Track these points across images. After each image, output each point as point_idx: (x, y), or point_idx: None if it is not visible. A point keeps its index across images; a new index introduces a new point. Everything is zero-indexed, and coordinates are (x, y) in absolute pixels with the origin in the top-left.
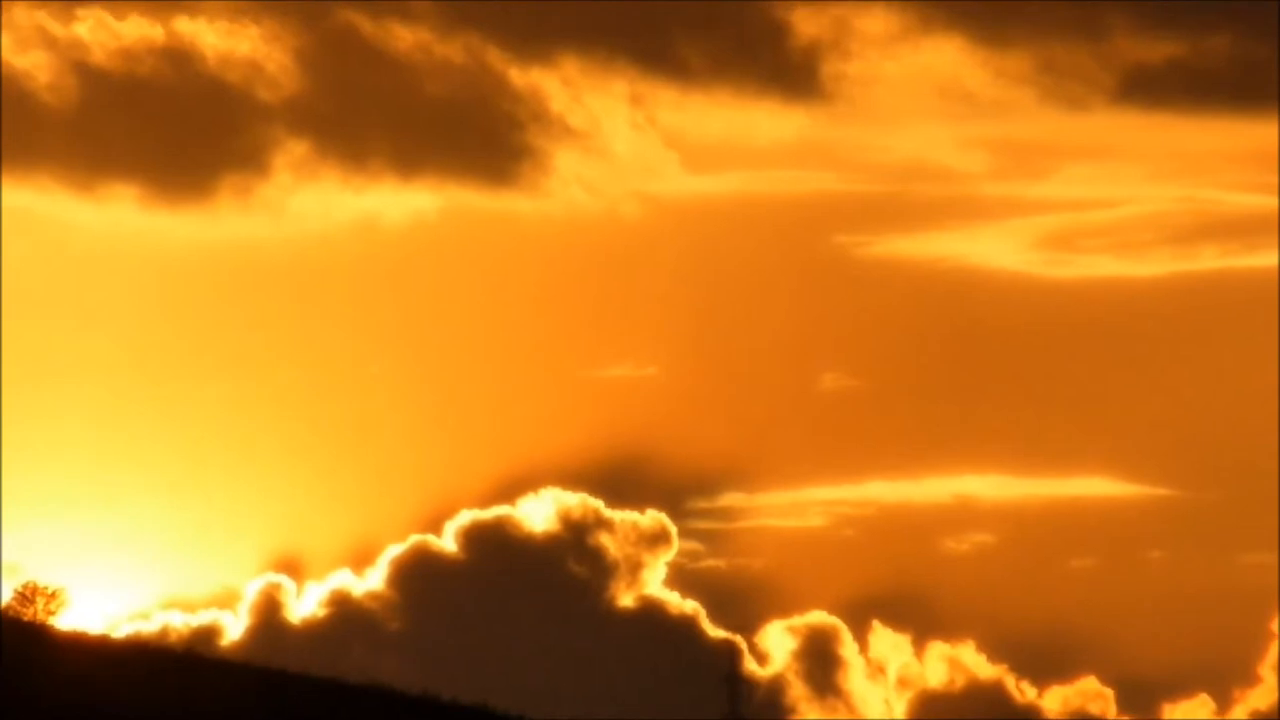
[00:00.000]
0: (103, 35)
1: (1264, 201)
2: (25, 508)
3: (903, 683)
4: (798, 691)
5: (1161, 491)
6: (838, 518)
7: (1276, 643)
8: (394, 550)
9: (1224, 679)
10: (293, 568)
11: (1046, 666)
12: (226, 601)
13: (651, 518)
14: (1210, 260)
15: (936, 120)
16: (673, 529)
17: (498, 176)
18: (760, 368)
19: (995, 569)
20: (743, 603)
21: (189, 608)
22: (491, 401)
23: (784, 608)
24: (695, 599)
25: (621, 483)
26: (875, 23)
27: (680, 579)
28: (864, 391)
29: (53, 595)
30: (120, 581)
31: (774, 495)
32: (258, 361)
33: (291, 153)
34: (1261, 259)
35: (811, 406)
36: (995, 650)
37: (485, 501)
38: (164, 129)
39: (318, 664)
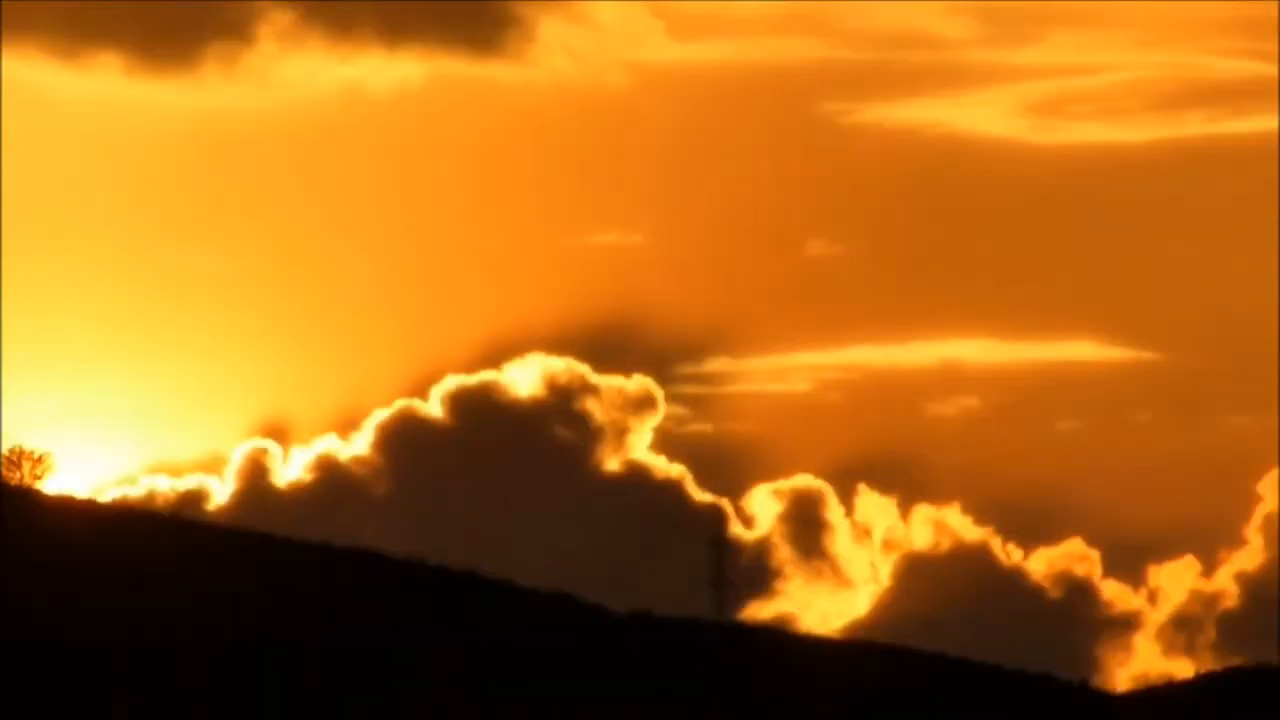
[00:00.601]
0: None
1: (1251, 67)
2: (12, 373)
3: (888, 545)
4: (783, 554)
5: (1148, 355)
6: (823, 382)
7: (1262, 505)
8: (380, 415)
9: (1210, 541)
10: (279, 432)
11: (1032, 529)
12: (213, 466)
13: (637, 383)
14: (1197, 126)
15: None
16: (659, 394)
17: (483, 45)
18: (746, 234)
19: (981, 432)
20: (729, 467)
21: (175, 472)
22: (478, 267)
23: (770, 472)
24: (681, 463)
25: (607, 348)
26: None
27: (666, 444)
28: (850, 257)
29: (39, 460)
30: (107, 446)
31: (760, 360)
32: (244, 228)
33: (277, 21)
34: (1248, 124)
35: (797, 272)
36: (981, 513)
37: (471, 367)
38: None
39: (304, 528)
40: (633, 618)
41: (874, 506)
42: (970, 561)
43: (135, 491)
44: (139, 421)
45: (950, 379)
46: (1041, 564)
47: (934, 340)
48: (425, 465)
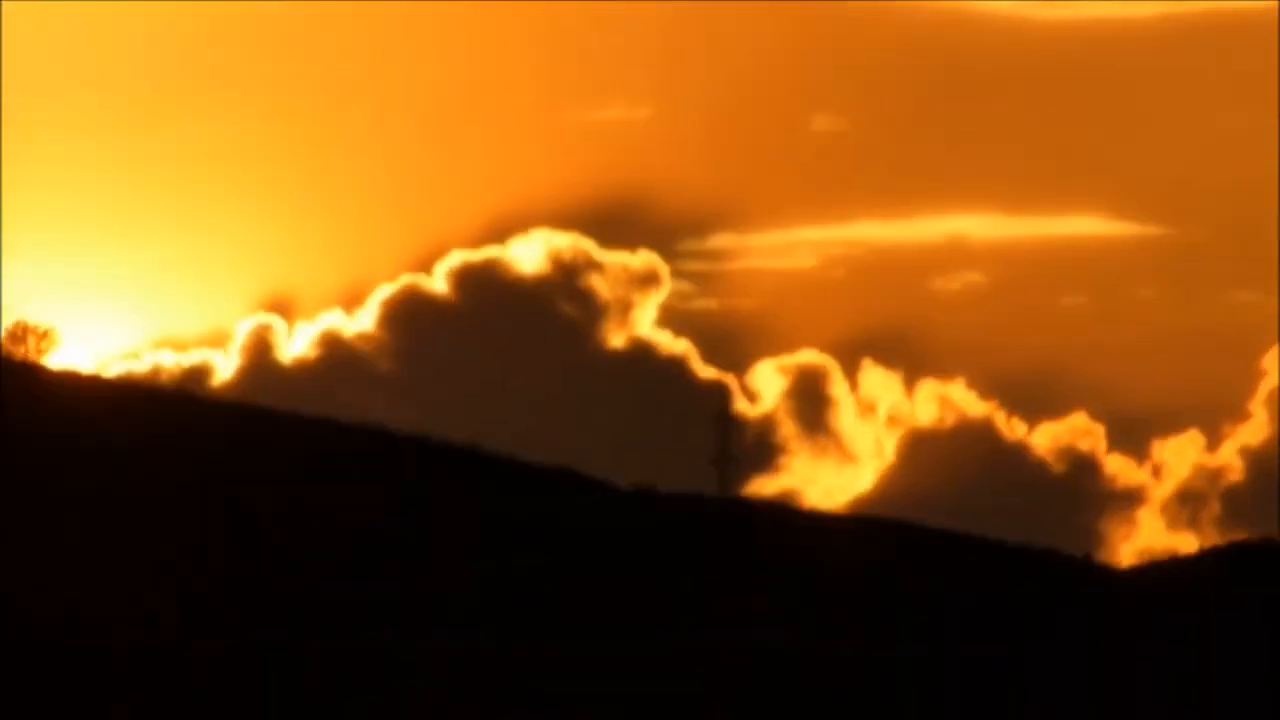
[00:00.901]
0: None
1: None
2: (16, 247)
3: (893, 421)
4: (788, 430)
5: (1153, 229)
6: (828, 258)
7: (1266, 379)
8: (384, 291)
9: (1214, 415)
10: (284, 307)
11: (1037, 403)
12: (218, 341)
13: (642, 258)
14: None
15: None
16: (664, 270)
17: None
18: (752, 108)
19: (986, 308)
20: (733, 343)
21: (180, 347)
22: (484, 142)
23: (774, 347)
24: (686, 339)
25: (612, 224)
26: None
27: (671, 320)
28: (855, 131)
29: (44, 335)
30: (112, 321)
31: (765, 236)
32: (249, 103)
33: None
34: None
35: (803, 147)
36: (985, 388)
37: (476, 242)
38: None
39: (308, 403)
40: (637, 493)
41: (879, 382)
42: (974, 436)
43: (140, 366)
44: (144, 296)
45: (955, 254)
46: (1045, 438)
47: (938, 215)
48: (429, 341)
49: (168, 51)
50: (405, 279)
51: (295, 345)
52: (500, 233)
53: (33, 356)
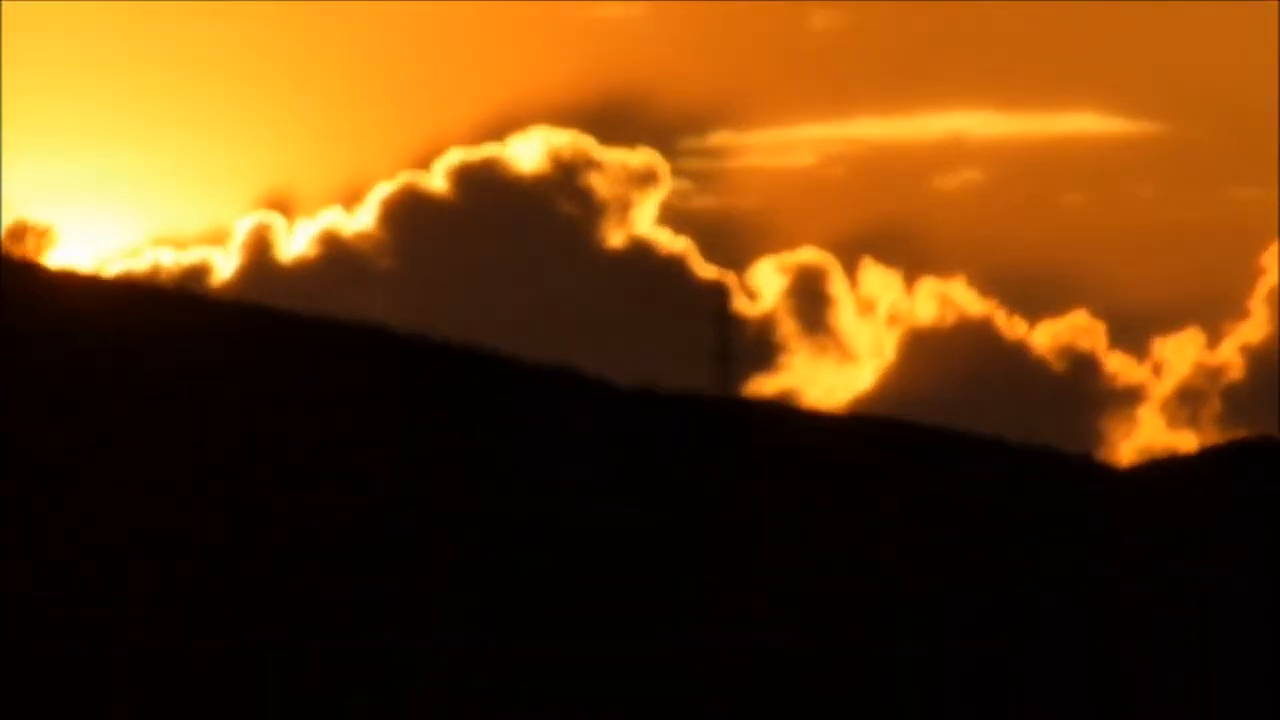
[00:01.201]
0: None
1: None
2: (14, 145)
3: (893, 319)
4: (788, 329)
5: (1153, 126)
6: (828, 156)
7: (1266, 277)
8: (383, 189)
9: (1214, 313)
10: (283, 205)
11: (1037, 301)
12: (217, 239)
13: (642, 156)
14: None
15: None
16: (664, 167)
17: None
18: (751, 4)
19: (986, 205)
20: (733, 241)
21: (180, 245)
22: (483, 39)
23: (774, 245)
24: (686, 237)
25: (612, 121)
26: None
27: (671, 218)
28: (854, 28)
29: (43, 233)
30: (111, 218)
31: (764, 133)
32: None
33: None
34: None
35: (802, 44)
36: (985, 286)
37: (475, 140)
38: None
39: (307, 302)
40: (636, 392)
41: (879, 280)
42: (974, 335)
43: (139, 265)
44: (144, 194)
45: (955, 151)
46: (1046, 336)
47: (938, 112)
48: (428, 239)
49: None
50: (404, 177)
51: (295, 243)
52: (499, 130)
53: (32, 255)
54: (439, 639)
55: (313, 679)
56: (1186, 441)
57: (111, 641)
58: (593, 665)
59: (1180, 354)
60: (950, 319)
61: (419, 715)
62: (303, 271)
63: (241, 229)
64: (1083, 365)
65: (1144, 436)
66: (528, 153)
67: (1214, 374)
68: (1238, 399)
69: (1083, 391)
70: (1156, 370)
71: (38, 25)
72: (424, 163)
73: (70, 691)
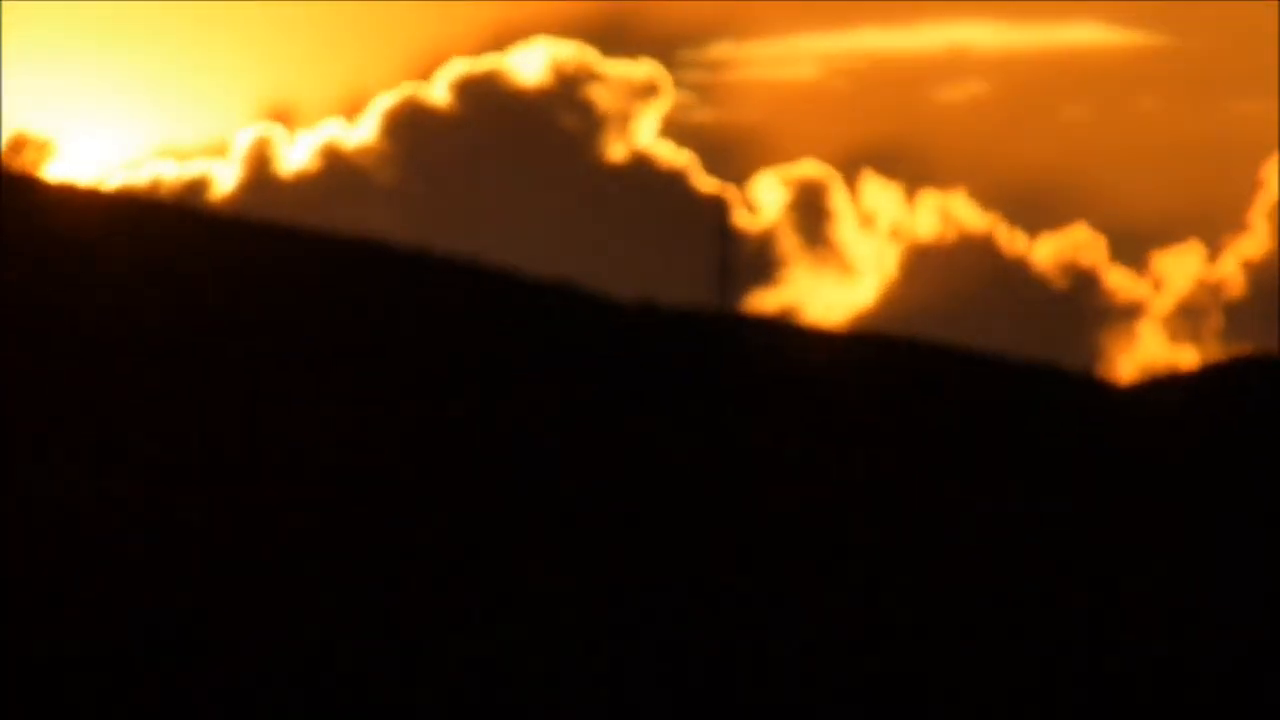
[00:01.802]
0: None
1: None
2: (11, 58)
3: (894, 234)
4: (789, 242)
5: (1155, 39)
6: (829, 68)
7: (1265, 190)
8: (384, 100)
9: (1214, 226)
10: (284, 116)
11: (1038, 215)
12: (218, 150)
13: (643, 68)
14: None
15: None
16: (666, 79)
17: None
18: None
19: (987, 118)
20: (734, 154)
21: (181, 157)
22: None
23: (775, 158)
24: (688, 149)
25: (613, 32)
26: None
27: (672, 131)
28: None
29: (42, 145)
30: (111, 130)
31: (764, 44)
32: None
33: None
34: None
35: None
36: (986, 199)
37: (476, 50)
38: None
39: (309, 214)
40: (637, 306)
41: (879, 193)
42: (975, 250)
43: (140, 177)
44: (144, 105)
45: (957, 63)
46: (1047, 250)
47: (941, 23)
48: (430, 153)
49: None
50: (405, 88)
51: (295, 155)
52: (500, 40)
53: (31, 168)
54: (437, 559)
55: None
56: (1188, 357)
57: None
58: (589, 593)
59: (1181, 269)
60: (951, 234)
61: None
62: (303, 183)
63: (242, 141)
64: (1083, 280)
65: (1145, 352)
66: (530, 64)
67: (1215, 289)
68: (1239, 314)
69: (1084, 307)
70: (1157, 285)
71: None
72: (425, 73)
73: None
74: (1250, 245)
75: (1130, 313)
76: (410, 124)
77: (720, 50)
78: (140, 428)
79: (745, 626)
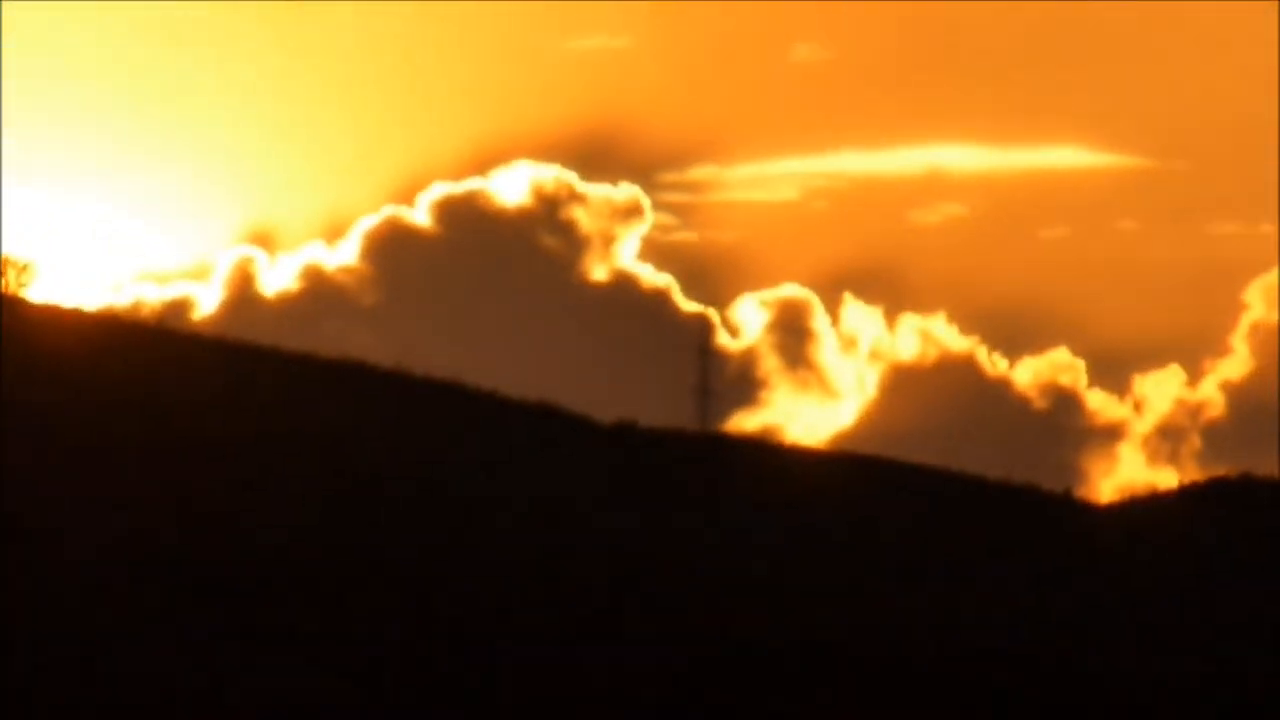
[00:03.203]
0: None
1: None
2: None
3: (874, 355)
4: (770, 364)
5: (1133, 161)
6: (809, 190)
7: (1248, 313)
8: (367, 222)
9: (1195, 350)
10: (265, 239)
11: (1018, 338)
12: (200, 274)
13: (624, 191)
14: None
15: None
16: (646, 202)
17: None
18: (733, 39)
19: (966, 240)
20: (715, 276)
21: (162, 280)
22: (465, 72)
23: (756, 280)
24: (668, 272)
25: (594, 155)
26: None
27: (653, 252)
28: (835, 62)
29: (24, 268)
30: (93, 254)
31: (746, 168)
32: (231, 32)
33: None
34: None
35: (783, 77)
36: (966, 322)
37: (458, 173)
38: None
39: (290, 336)
40: (617, 428)
41: (860, 316)
42: (956, 371)
43: (121, 299)
44: (125, 229)
45: (935, 186)
46: (1027, 373)
47: (919, 146)
48: (412, 273)
49: None
50: (387, 210)
51: (277, 277)
52: (482, 164)
53: (12, 290)
54: (410, 663)
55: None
56: (1167, 479)
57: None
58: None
59: (1161, 391)
60: (932, 355)
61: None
62: (285, 305)
63: (224, 263)
64: (1064, 402)
65: (1125, 473)
66: (511, 186)
67: (1194, 411)
68: (1218, 436)
69: (1064, 428)
70: (1137, 407)
71: (20, 55)
72: (407, 196)
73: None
74: (1231, 368)
75: (1110, 434)
76: (392, 245)
77: (701, 173)
78: (129, 545)
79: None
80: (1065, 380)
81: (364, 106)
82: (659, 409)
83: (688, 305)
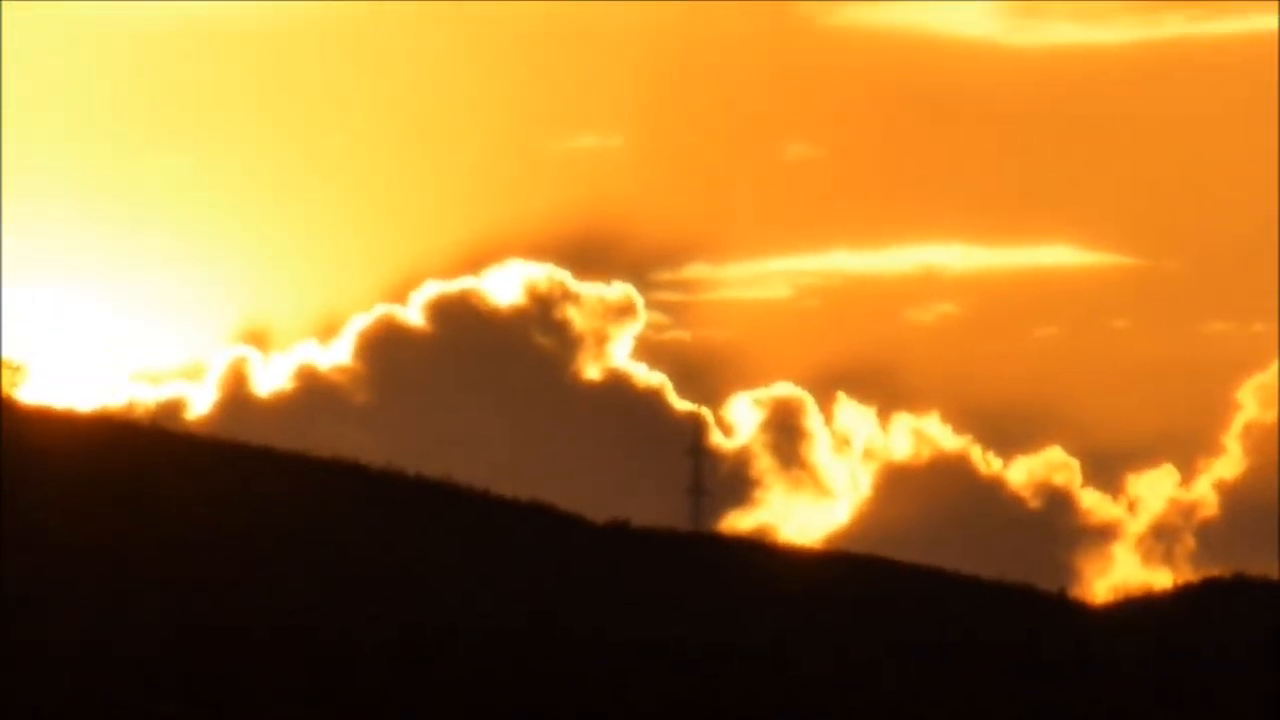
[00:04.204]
0: None
1: None
2: None
3: (868, 455)
4: (763, 463)
5: (1126, 260)
6: (802, 289)
7: (1241, 413)
8: (360, 322)
9: (1188, 449)
10: (259, 339)
11: (1011, 437)
12: (194, 373)
13: (617, 290)
14: (1176, 27)
15: None
16: (638, 300)
17: None
18: (725, 138)
19: (959, 339)
20: (708, 374)
21: (156, 380)
22: (457, 172)
23: (749, 379)
24: (661, 371)
25: (587, 255)
26: None
27: (646, 351)
28: (828, 161)
29: (17, 369)
30: (86, 354)
31: (738, 266)
32: (224, 133)
33: None
34: (1226, 25)
35: (776, 176)
36: (960, 421)
37: (451, 273)
38: None
39: (284, 436)
40: (610, 527)
41: (854, 415)
42: (950, 471)
43: (116, 400)
44: (119, 330)
45: (928, 285)
46: (1021, 472)
47: (912, 245)
48: (405, 373)
49: (142, 83)
50: (380, 310)
51: (271, 376)
52: (475, 263)
53: (7, 390)
54: None
55: None
56: (1161, 579)
57: None
58: None
59: (1154, 490)
60: (925, 455)
61: None
62: (279, 405)
63: (218, 363)
64: (1057, 501)
65: (1119, 573)
66: (504, 285)
67: (1188, 510)
68: (1212, 536)
69: (1058, 527)
70: (1131, 507)
71: (10, 155)
72: (400, 295)
73: None
74: (1224, 467)
75: (1104, 534)
76: (385, 345)
77: (694, 271)
78: (122, 644)
79: None
80: (1059, 479)
81: (357, 207)
82: (653, 508)
83: (681, 404)
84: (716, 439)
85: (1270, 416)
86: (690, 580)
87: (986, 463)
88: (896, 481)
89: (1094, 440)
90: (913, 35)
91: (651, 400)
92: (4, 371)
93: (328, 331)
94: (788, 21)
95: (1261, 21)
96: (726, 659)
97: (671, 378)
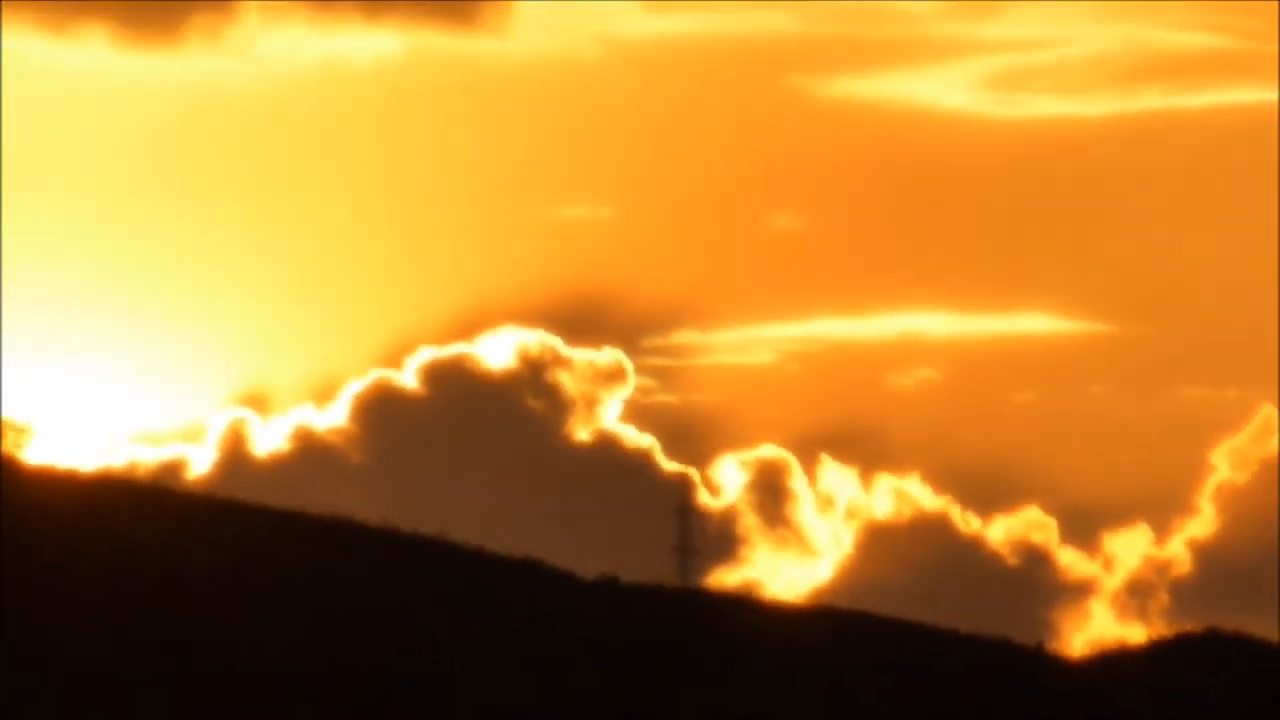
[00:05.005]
0: None
1: (1207, 40)
2: None
3: (851, 514)
4: (749, 523)
5: (1101, 327)
6: (787, 354)
7: (1214, 474)
8: (355, 385)
9: (1163, 509)
10: (258, 402)
11: (990, 497)
12: (193, 435)
13: (608, 355)
14: (1153, 100)
15: None
16: (628, 365)
17: (461, 18)
18: (714, 208)
19: (940, 403)
20: (695, 437)
21: (156, 442)
22: (452, 241)
23: (735, 441)
24: (650, 433)
25: (578, 321)
26: None
27: (635, 414)
28: (812, 231)
29: (20, 431)
30: (88, 417)
31: (725, 333)
32: (222, 199)
33: None
34: (1203, 98)
35: (763, 245)
36: (940, 482)
37: (444, 338)
38: None
39: (281, 495)
40: (599, 584)
41: (837, 476)
42: (930, 529)
43: (117, 461)
44: (120, 392)
45: (909, 351)
46: (999, 532)
47: (893, 313)
48: (399, 435)
49: (144, 149)
50: (375, 374)
51: (268, 438)
52: (468, 329)
53: (9, 452)
54: None
55: None
56: (1136, 634)
57: None
58: None
59: (1129, 548)
60: (906, 514)
61: None
62: (276, 465)
63: (216, 425)
64: (1035, 559)
65: (1095, 628)
66: (496, 351)
67: (1162, 568)
68: (1185, 592)
69: (1036, 584)
70: (1106, 564)
71: (11, 219)
72: (395, 360)
73: None
74: (1197, 526)
75: (1080, 590)
76: (380, 407)
77: (682, 337)
78: (125, 702)
79: None
80: (1037, 538)
81: (352, 275)
82: (641, 565)
83: (669, 465)
84: (704, 499)
85: (1242, 478)
86: (677, 634)
87: (966, 522)
88: (878, 540)
89: (1071, 500)
90: (895, 108)
91: (640, 462)
92: (8, 432)
93: (324, 395)
94: (773, 95)
95: (1236, 96)
96: (713, 711)
97: (660, 440)
